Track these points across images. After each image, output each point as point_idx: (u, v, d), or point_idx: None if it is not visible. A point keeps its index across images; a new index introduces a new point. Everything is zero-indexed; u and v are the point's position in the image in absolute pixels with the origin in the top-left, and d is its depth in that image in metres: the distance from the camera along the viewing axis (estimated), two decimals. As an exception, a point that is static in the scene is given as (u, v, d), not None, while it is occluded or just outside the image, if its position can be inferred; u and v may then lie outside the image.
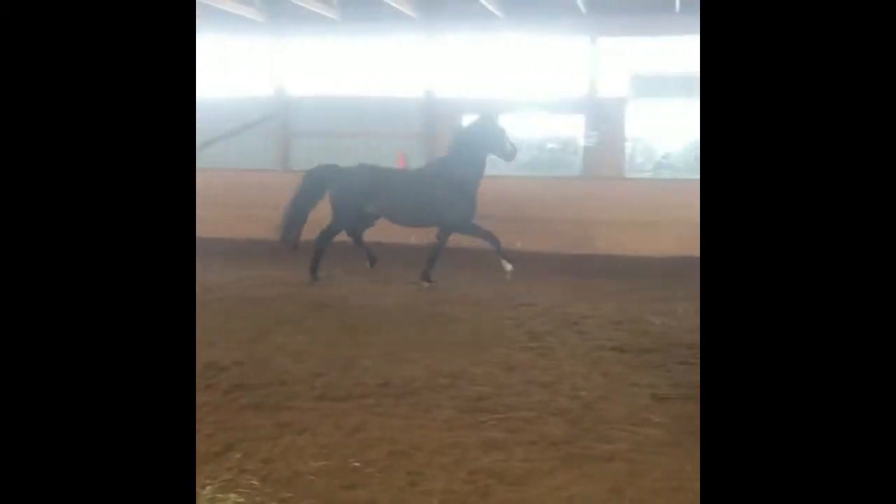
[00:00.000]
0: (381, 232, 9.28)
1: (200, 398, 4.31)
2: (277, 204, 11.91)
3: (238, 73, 13.03)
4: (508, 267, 8.55)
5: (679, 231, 10.61)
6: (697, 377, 4.93)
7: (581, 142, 11.81)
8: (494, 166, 9.37)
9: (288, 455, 3.67)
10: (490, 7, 10.82)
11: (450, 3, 11.57)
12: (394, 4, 10.80)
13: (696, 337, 5.64)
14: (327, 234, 8.85)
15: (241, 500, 3.22)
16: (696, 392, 4.68)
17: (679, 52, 11.54)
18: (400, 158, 11.95)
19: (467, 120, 12.16)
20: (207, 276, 8.10)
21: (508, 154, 8.71)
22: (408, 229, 9.52)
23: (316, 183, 8.96)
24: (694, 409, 4.38)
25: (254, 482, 3.37)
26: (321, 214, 8.90)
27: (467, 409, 4.33)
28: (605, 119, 11.39)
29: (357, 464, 3.57)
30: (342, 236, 8.98)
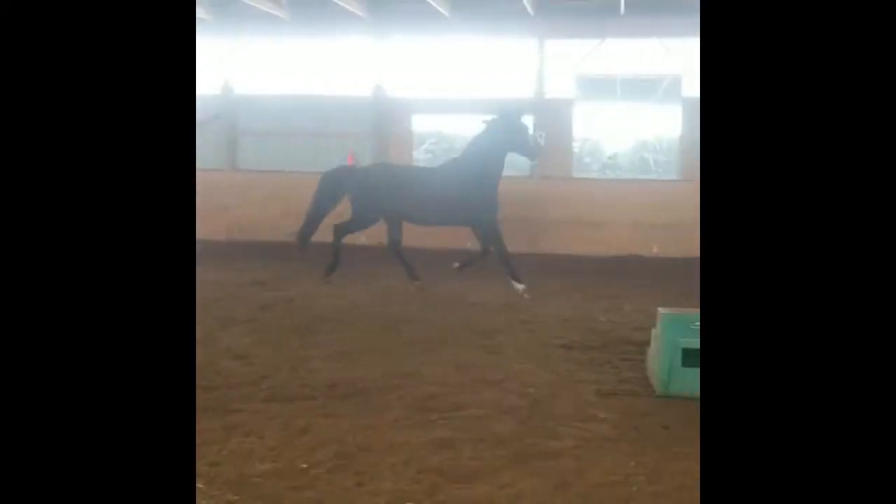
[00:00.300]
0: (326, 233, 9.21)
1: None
2: (226, 204, 11.73)
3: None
4: (520, 288, 8.16)
5: (626, 230, 10.81)
6: (641, 373, 5.05)
7: (530, 142, 11.92)
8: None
9: (235, 457, 3.63)
10: (438, 7, 10.84)
11: (398, 3, 11.57)
12: (343, 4, 10.75)
13: (641, 334, 5.78)
14: (343, 231, 8.75)
15: None
16: (640, 388, 4.78)
17: (624, 54, 11.73)
18: (349, 157, 11.89)
19: (416, 119, 12.17)
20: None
21: (532, 152, 8.59)
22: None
23: (331, 185, 8.86)
24: (638, 404, 4.48)
25: (200, 486, 3.33)
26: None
27: (416, 408, 4.34)
28: (553, 119, 11.51)
29: (304, 465, 3.55)
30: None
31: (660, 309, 4.90)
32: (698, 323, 4.68)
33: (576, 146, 12.18)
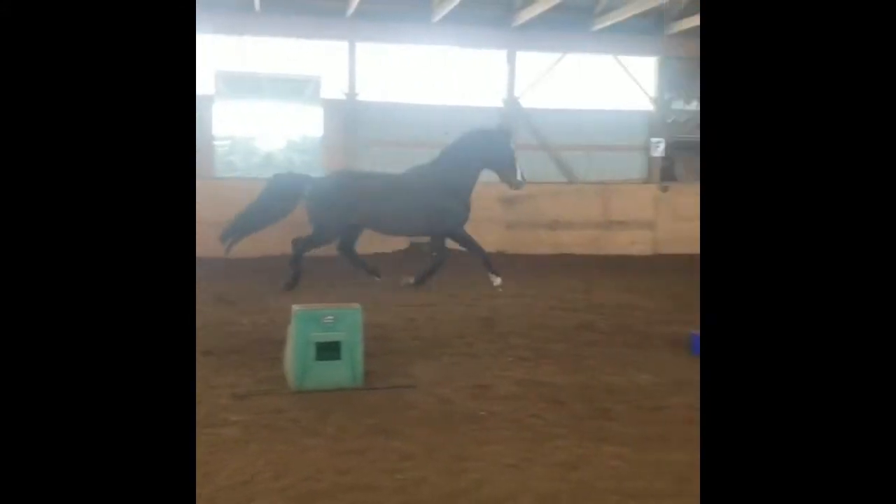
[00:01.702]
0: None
1: None
2: None
3: None
4: (497, 281, 8.05)
5: (274, 230, 10.78)
6: (279, 371, 5.06)
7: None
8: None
9: None
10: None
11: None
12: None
13: (283, 333, 5.79)
14: (302, 247, 7.81)
15: None
16: (277, 386, 4.80)
17: (267, 52, 11.70)
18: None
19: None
20: None
21: (515, 182, 7.99)
22: None
23: (279, 193, 7.86)
24: (272, 402, 4.47)
25: None
26: None
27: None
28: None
29: None
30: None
31: (294, 306, 4.96)
32: (330, 317, 4.84)
33: (224, 144, 11.87)
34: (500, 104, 12.33)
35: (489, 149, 8.03)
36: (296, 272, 8.08)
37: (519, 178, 8.03)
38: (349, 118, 11.68)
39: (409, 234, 8.63)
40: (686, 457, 3.79)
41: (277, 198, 8.10)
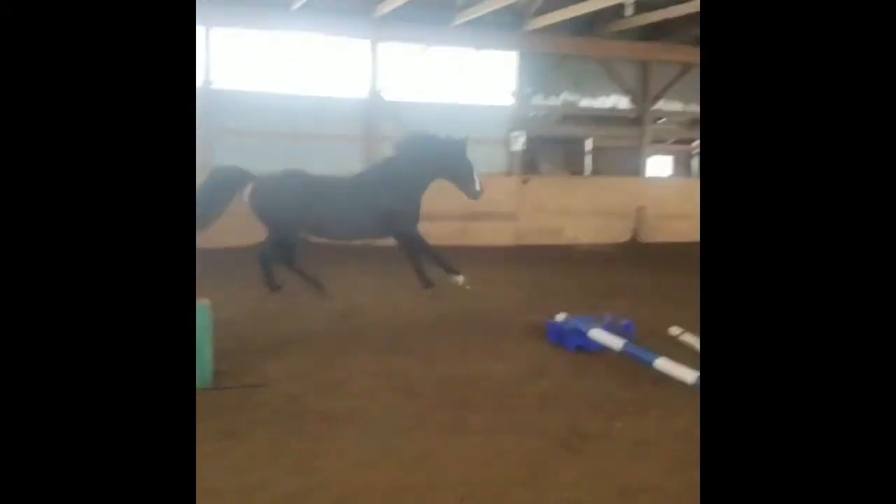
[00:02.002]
0: None
1: None
2: None
3: None
4: (461, 280, 7.43)
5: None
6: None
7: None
8: None
9: None
10: None
11: None
12: None
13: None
14: (275, 253, 7.15)
15: None
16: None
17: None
18: None
19: None
20: None
21: (475, 195, 7.41)
22: None
23: (223, 188, 7.03)
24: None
25: None
26: None
27: None
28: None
29: None
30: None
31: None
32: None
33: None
34: (364, 95, 12.19)
35: (444, 158, 7.49)
36: (306, 276, 7.48)
37: (477, 188, 7.53)
38: (204, 107, 11.18)
39: (359, 237, 8.15)
40: (539, 444, 3.82)
41: (222, 191, 7.17)
